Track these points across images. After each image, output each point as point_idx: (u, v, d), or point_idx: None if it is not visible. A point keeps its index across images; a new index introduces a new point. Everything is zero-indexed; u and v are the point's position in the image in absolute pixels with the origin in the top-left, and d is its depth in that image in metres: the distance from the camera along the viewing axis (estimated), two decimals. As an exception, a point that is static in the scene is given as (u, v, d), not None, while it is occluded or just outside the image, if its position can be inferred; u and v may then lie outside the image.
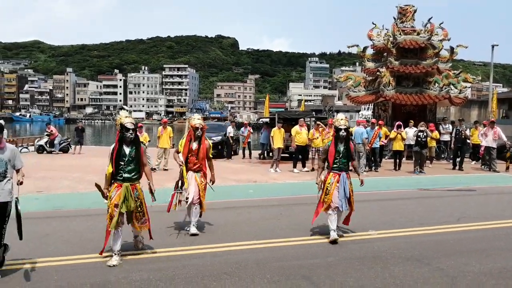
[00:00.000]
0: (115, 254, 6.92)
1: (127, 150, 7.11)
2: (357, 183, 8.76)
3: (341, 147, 8.52)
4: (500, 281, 6.44)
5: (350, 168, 8.84)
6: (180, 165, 8.76)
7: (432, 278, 6.52)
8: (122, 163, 7.05)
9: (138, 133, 21.10)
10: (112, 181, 7.15)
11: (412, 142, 19.80)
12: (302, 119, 19.98)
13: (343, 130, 8.49)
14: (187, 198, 8.59)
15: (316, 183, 8.70)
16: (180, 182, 8.78)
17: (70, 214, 10.58)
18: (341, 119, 8.69)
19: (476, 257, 7.47)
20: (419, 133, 19.12)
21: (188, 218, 8.92)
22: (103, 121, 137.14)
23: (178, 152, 8.99)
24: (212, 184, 9.11)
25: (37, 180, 15.41)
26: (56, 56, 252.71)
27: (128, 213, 7.10)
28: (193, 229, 8.59)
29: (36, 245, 7.90)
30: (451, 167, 20.66)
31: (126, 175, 7.06)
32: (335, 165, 8.53)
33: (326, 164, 8.69)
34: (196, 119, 8.79)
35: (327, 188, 8.46)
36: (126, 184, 7.03)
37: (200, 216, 8.94)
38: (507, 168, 20.26)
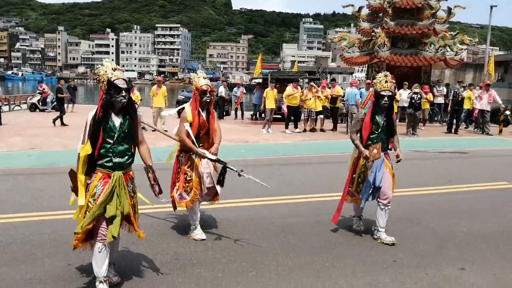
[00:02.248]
0: (102, 281, 4.64)
1: (117, 121, 4.64)
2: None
3: (381, 119, 6.35)
4: (488, 241, 6.53)
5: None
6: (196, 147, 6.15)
7: (422, 237, 6.59)
8: (111, 140, 4.62)
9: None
10: (91, 169, 4.71)
11: (406, 104, 19.78)
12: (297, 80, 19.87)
13: (386, 98, 6.25)
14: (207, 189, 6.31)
15: (366, 156, 6.28)
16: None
17: (63, 171, 10.51)
18: (385, 81, 6.30)
19: (465, 218, 7.56)
20: (413, 95, 19.09)
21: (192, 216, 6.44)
22: (95, 81, 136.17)
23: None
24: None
25: (30, 137, 15.42)
26: (47, 14, 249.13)
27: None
28: (202, 234, 6.36)
29: (30, 200, 7.95)
30: (445, 130, 20.70)
31: (117, 159, 4.65)
32: (370, 142, 6.37)
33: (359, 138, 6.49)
34: (202, 79, 6.29)
35: (360, 175, 6.54)
36: (118, 173, 4.65)
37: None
38: (500, 131, 20.34)
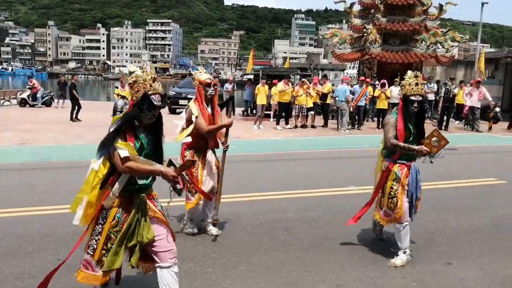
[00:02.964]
0: None
1: (143, 139, 3.98)
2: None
3: (412, 126, 5.60)
4: (476, 236, 6.60)
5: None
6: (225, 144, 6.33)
7: (411, 232, 6.60)
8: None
9: (121, 87, 20.87)
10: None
11: (397, 101, 19.79)
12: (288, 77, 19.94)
13: (416, 104, 5.48)
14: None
15: (427, 151, 5.44)
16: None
17: (54, 166, 10.57)
18: (416, 84, 5.50)
19: (454, 214, 7.62)
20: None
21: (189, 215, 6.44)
22: (86, 76, 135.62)
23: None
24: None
25: (21, 132, 15.36)
26: (37, 9, 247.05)
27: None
28: (215, 229, 6.42)
29: (21, 195, 7.92)
30: (436, 127, 20.83)
31: (142, 181, 4.02)
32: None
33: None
34: (203, 74, 6.28)
35: (391, 187, 5.67)
36: (141, 197, 4.02)
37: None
38: (490, 128, 20.47)
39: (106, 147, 3.84)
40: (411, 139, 5.56)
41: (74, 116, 19.42)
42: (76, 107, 19.59)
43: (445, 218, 7.38)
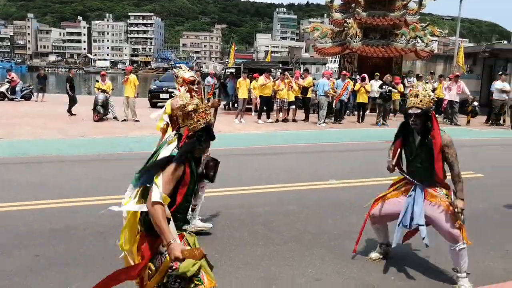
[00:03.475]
0: None
1: (195, 171, 3.50)
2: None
3: (414, 142, 4.94)
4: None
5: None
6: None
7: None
8: (190, 197, 3.54)
9: (101, 81, 20.56)
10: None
11: (377, 95, 19.96)
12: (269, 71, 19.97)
13: (413, 117, 4.76)
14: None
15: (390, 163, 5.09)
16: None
17: (33, 161, 10.46)
18: (415, 95, 4.80)
19: (432, 206, 7.69)
20: (383, 86, 19.24)
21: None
22: (67, 69, 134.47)
23: None
24: None
25: (-2, 127, 15.16)
26: (16, 1, 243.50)
27: None
28: (201, 223, 6.44)
29: (-3, 191, 7.82)
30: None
31: (185, 216, 3.62)
32: (408, 169, 5.15)
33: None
34: (187, 72, 6.30)
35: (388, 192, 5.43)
36: (187, 236, 3.53)
37: None
38: (468, 122, 20.69)
39: (148, 178, 3.31)
40: (414, 156, 4.98)
41: (68, 110, 19.31)
42: (70, 102, 19.43)
43: (424, 211, 7.45)
